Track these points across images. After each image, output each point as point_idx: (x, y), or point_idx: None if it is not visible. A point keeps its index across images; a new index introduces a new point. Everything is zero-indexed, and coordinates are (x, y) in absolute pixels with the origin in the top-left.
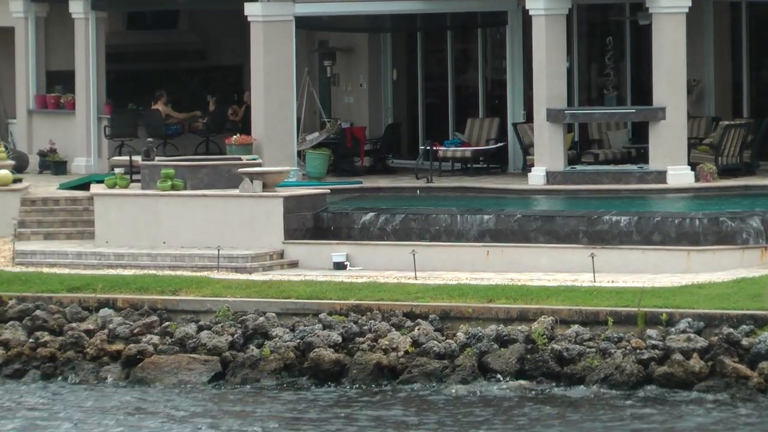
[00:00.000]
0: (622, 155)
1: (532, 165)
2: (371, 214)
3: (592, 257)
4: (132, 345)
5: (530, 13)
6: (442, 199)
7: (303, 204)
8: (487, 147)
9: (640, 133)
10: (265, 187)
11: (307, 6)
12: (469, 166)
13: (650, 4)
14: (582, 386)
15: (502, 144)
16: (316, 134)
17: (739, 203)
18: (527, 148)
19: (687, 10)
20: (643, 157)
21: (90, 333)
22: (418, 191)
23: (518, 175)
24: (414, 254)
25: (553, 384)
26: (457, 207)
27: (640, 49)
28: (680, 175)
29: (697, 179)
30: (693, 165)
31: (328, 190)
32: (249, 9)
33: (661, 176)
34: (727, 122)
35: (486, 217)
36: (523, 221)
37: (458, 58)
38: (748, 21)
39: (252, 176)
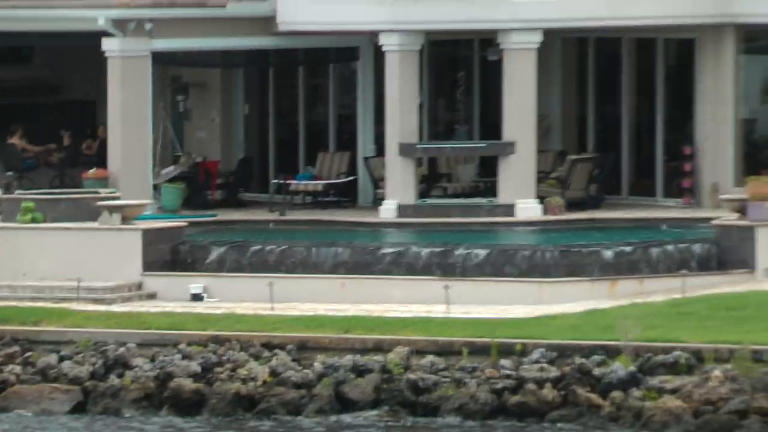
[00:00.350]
0: (471, 189)
1: (383, 198)
2: (227, 247)
3: (446, 288)
4: None
5: (383, 49)
6: (295, 232)
7: (161, 237)
8: (338, 180)
9: (487, 167)
10: (123, 219)
11: (163, 42)
12: (320, 199)
13: (501, 40)
14: (437, 416)
15: (352, 178)
16: (171, 168)
17: (587, 236)
18: (377, 182)
19: (537, 45)
20: (491, 190)
21: None
22: (270, 224)
23: (369, 208)
24: (271, 285)
25: (409, 413)
26: (310, 240)
27: (489, 85)
28: (528, 209)
29: (544, 212)
30: (541, 198)
31: (186, 224)
32: (107, 44)
33: (509, 209)
34: (573, 156)
35: (340, 249)
36: (377, 253)
37: (310, 93)
38: (595, 56)
39: (111, 209)
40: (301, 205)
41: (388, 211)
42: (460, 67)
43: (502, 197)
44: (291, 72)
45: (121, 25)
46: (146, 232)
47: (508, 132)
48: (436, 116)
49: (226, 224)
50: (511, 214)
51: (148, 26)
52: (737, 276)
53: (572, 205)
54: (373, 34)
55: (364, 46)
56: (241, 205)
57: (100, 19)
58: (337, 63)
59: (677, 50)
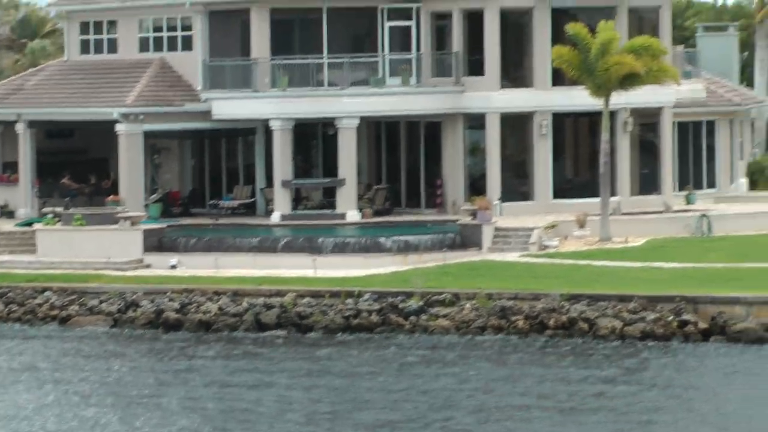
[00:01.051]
0: (320, 205)
1: (272, 211)
2: (191, 238)
3: (314, 260)
4: (63, 311)
5: (272, 128)
6: (227, 230)
7: (152, 233)
8: (245, 201)
9: (330, 193)
10: (132, 224)
11: (149, 125)
12: (235, 212)
13: (337, 122)
14: (312, 332)
15: (253, 199)
16: (154, 195)
17: (388, 231)
18: (268, 201)
19: (356, 125)
20: (330, 205)
21: (40, 305)
22: (211, 226)
23: (263, 216)
24: (216, 260)
25: (296, 331)
26: (233, 235)
27: (328, 148)
28: (353, 215)
29: (362, 218)
30: (359, 209)
31: (166, 226)
32: (118, 127)
33: (343, 216)
34: (376, 186)
35: (253, 239)
36: (273, 240)
37: (228, 152)
38: (385, 131)
39: (125, 218)
40: (226, 215)
41: (275, 218)
42: (315, 137)
43: (339, 209)
44: (218, 141)
45: (125, 116)
46: (145, 231)
47: (341, 173)
48: (302, 165)
49: (187, 226)
50: (344, 219)
51: (141, 117)
52: (473, 252)
53: (376, 213)
54: (265, 120)
55: (259, 126)
56: (192, 216)
57: (114, 113)
58: (243, 136)
59: (431, 127)
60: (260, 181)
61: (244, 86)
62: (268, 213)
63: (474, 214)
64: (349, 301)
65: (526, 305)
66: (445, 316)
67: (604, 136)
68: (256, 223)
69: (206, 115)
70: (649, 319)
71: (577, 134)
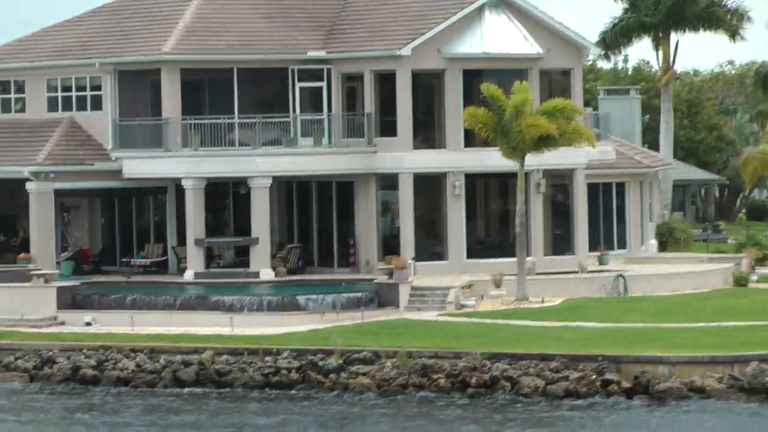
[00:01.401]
0: (232, 263)
1: (185, 269)
2: (105, 296)
3: (231, 318)
4: None
5: (184, 187)
6: (139, 288)
7: (66, 290)
8: (158, 259)
9: (243, 252)
10: (45, 281)
11: (60, 183)
12: (147, 269)
13: (250, 182)
14: (230, 388)
15: (165, 258)
16: (66, 253)
17: (302, 288)
18: (180, 259)
19: (269, 185)
20: (244, 263)
21: None
22: (123, 283)
23: (176, 274)
24: (132, 317)
25: (215, 387)
26: (147, 293)
27: (241, 206)
28: (267, 273)
29: (276, 276)
30: (273, 268)
31: (79, 283)
32: (29, 185)
33: (256, 274)
34: (290, 245)
35: (168, 296)
36: (188, 299)
37: (139, 210)
38: (297, 191)
39: (38, 276)
40: (138, 273)
41: (189, 275)
42: (225, 196)
43: (252, 267)
44: (128, 200)
45: (36, 174)
46: (59, 288)
47: (254, 232)
48: (213, 223)
49: (97, 283)
50: (257, 277)
51: (51, 175)
52: (390, 311)
53: (290, 272)
54: (176, 179)
55: (170, 185)
56: (103, 273)
57: (25, 171)
58: (153, 194)
59: (344, 187)
60: (171, 239)
61: (155, 145)
62: (181, 271)
63: (390, 273)
64: (268, 358)
65: (447, 363)
66: (365, 374)
67: (520, 196)
68: (168, 281)
69: (116, 173)
70: (572, 378)
71: (488, 195)
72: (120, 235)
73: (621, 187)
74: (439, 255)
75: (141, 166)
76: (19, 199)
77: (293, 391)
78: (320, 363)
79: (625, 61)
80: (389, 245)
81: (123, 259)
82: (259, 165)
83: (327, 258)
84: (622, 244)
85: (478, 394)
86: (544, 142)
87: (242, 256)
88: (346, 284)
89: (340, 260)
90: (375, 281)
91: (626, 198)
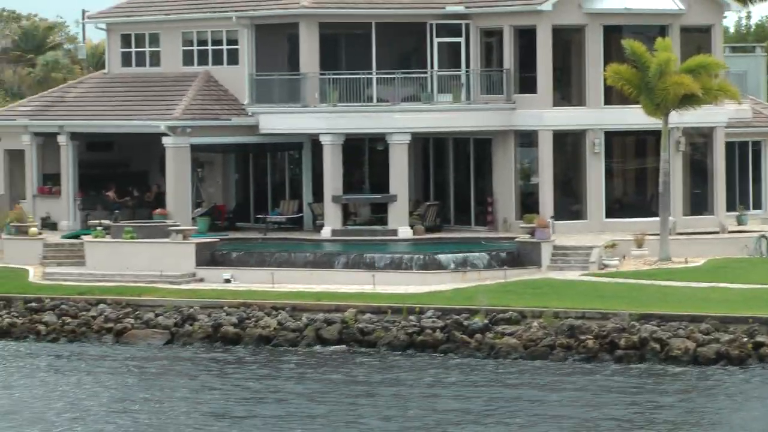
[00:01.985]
0: (367, 221)
1: (322, 225)
2: (246, 252)
3: (373, 276)
4: (119, 324)
5: (322, 143)
6: (276, 245)
7: (205, 246)
8: (293, 216)
9: (378, 209)
10: (184, 237)
11: (196, 139)
12: (283, 226)
13: (388, 138)
14: (374, 348)
15: (301, 214)
16: (200, 209)
17: (442, 247)
18: (317, 216)
19: (408, 142)
20: (380, 221)
21: (94, 317)
22: (260, 239)
23: (311, 231)
24: (272, 274)
25: (358, 347)
26: (285, 249)
27: (377, 163)
28: (405, 231)
29: (414, 233)
30: (411, 226)
31: (218, 239)
32: (165, 140)
33: (394, 232)
34: (428, 203)
35: (308, 254)
36: (329, 255)
37: (273, 166)
38: (433, 148)
39: (177, 232)
40: (272, 229)
41: (326, 232)
42: (363, 153)
43: (391, 225)
44: (262, 155)
45: (172, 129)
46: (197, 245)
47: (392, 189)
48: (354, 180)
49: (236, 240)
50: (395, 235)
51: (188, 130)
52: (532, 270)
53: (427, 230)
54: (313, 135)
55: (306, 141)
56: (237, 230)
57: (161, 126)
58: (289, 150)
59: (481, 144)
60: (307, 196)
61: (292, 101)
62: (317, 228)
63: (532, 231)
64: (412, 317)
65: (594, 324)
66: (511, 334)
67: (664, 155)
68: (305, 238)
69: (253, 129)
70: (723, 341)
71: (626, 153)
72: (254, 191)
73: (757, 146)
74: (578, 214)
75: (278, 121)
76: (150, 155)
77: (436, 354)
78: (465, 323)
79: (748, 17)
80: (527, 204)
81: (258, 216)
82: (398, 121)
83: (463, 216)
84: (758, 204)
85: (627, 356)
86: (688, 100)
87: (378, 213)
88: (486, 242)
89: (477, 218)
90: (517, 240)
91: (762, 157)
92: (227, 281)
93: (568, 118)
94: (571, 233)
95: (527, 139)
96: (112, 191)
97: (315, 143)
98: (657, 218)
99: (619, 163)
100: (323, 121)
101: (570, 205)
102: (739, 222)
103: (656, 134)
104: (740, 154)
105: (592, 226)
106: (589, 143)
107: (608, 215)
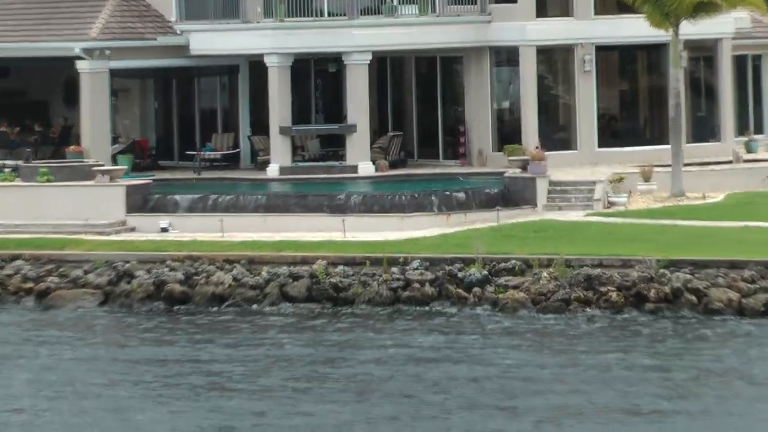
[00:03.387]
0: (319, 156)
1: (264, 163)
2: (182, 196)
3: (343, 221)
4: (41, 284)
5: (267, 64)
6: (214, 185)
7: (137, 190)
8: (230, 151)
9: (327, 142)
10: (111, 179)
11: (115, 62)
12: (217, 163)
13: (345, 58)
14: (352, 306)
15: (238, 150)
16: (118, 145)
17: (412, 185)
18: (258, 152)
19: (368, 61)
20: (333, 156)
21: (9, 276)
22: (194, 180)
23: (252, 169)
24: (221, 221)
25: (332, 305)
26: (221, 189)
27: (328, 88)
28: (366, 168)
29: (376, 170)
30: (373, 161)
31: (151, 181)
32: (80, 65)
33: (354, 168)
34: (392, 133)
35: (259, 195)
36: (285, 198)
37: (201, 94)
38: (391, 70)
39: (103, 173)
40: (205, 167)
41: (273, 170)
42: (317, 76)
43: (349, 161)
44: (188, 81)
45: (89, 52)
46: (128, 187)
47: (351, 118)
48: (299, 108)
49: (165, 181)
50: (355, 172)
51: (107, 53)
52: (526, 210)
53: (391, 165)
54: (253, 56)
55: (242, 63)
56: (161, 169)
57: (76, 48)
58: (219, 75)
59: (449, 63)
60: (244, 128)
61: (230, 17)
62: (258, 165)
63: (524, 165)
64: (395, 269)
65: (616, 274)
66: (516, 287)
67: (673, 73)
68: (248, 177)
69: (182, 50)
70: None
71: (623, 71)
72: (178, 123)
73: (757, 60)
74: (565, 143)
75: (213, 40)
76: (51, 82)
77: (428, 307)
78: (460, 274)
79: None
80: (505, 132)
81: (189, 152)
82: (357, 38)
83: (429, 149)
84: (759, 129)
85: (658, 310)
86: (703, 7)
87: (330, 147)
88: (464, 179)
89: (446, 151)
90: (506, 175)
91: (763, 73)
92: (164, 230)
93: (554, 30)
94: (558, 166)
95: (505, 57)
96: (4, 125)
97: (253, 65)
98: (656, 147)
99: (613, 83)
100: (268, 39)
101: (555, 133)
102: (748, 149)
103: (651, 49)
104: (738, 69)
105: (583, 158)
106: (578, 60)
107: (601, 144)
